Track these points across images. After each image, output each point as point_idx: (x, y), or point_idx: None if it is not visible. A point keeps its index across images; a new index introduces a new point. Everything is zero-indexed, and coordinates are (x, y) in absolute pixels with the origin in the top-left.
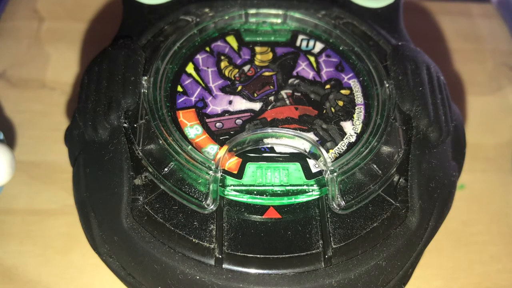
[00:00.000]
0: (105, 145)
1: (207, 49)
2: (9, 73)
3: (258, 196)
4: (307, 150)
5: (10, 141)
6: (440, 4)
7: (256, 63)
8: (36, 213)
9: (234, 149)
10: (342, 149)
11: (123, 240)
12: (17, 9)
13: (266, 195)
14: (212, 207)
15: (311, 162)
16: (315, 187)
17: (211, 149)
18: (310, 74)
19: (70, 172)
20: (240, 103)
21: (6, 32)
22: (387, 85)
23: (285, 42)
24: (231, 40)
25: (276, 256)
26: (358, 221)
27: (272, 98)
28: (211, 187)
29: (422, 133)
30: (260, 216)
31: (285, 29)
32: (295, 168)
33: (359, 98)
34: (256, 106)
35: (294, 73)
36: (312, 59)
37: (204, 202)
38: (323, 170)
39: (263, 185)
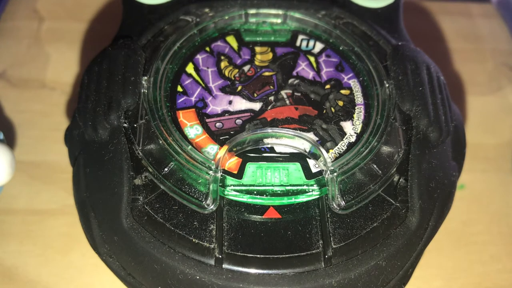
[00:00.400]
0: (105, 145)
1: (207, 49)
2: (9, 73)
3: (258, 196)
4: (307, 150)
5: (10, 141)
6: (440, 4)
7: (256, 63)
8: (36, 213)
9: (234, 149)
10: (342, 149)
11: (123, 240)
12: (17, 9)
13: (266, 195)
14: (212, 207)
15: (311, 162)
16: (315, 187)
17: (211, 149)
18: (310, 74)
19: (70, 172)
20: (240, 103)
21: (6, 32)
22: (387, 85)
23: (285, 42)
24: (231, 40)
25: (276, 256)
26: (358, 221)
27: (272, 98)
28: (211, 187)
29: (422, 133)
30: (260, 216)
31: (285, 29)
32: (295, 168)
33: (359, 98)
34: (256, 106)
35: (294, 73)
36: (312, 59)
37: (204, 202)
38: (323, 170)
39: (263, 185)
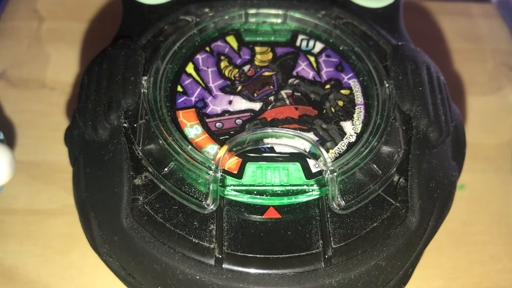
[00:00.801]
0: (105, 145)
1: (207, 49)
2: (9, 73)
3: (258, 196)
4: (307, 150)
5: (10, 141)
6: (440, 4)
7: (256, 63)
8: (36, 213)
9: (234, 149)
10: (342, 149)
11: (123, 240)
12: (17, 9)
13: (266, 195)
14: (212, 207)
15: (311, 162)
16: (315, 187)
17: (211, 149)
18: (310, 74)
19: (70, 172)
20: (240, 103)
21: (6, 32)
22: (387, 85)
23: (285, 42)
24: (231, 40)
25: (276, 256)
26: (358, 221)
27: (272, 98)
28: (211, 187)
29: (422, 133)
30: (260, 216)
31: (285, 29)
32: (295, 168)
33: (359, 98)
34: (256, 106)
35: (294, 73)
36: (312, 59)
37: (204, 202)
38: (323, 170)
39: (263, 185)
